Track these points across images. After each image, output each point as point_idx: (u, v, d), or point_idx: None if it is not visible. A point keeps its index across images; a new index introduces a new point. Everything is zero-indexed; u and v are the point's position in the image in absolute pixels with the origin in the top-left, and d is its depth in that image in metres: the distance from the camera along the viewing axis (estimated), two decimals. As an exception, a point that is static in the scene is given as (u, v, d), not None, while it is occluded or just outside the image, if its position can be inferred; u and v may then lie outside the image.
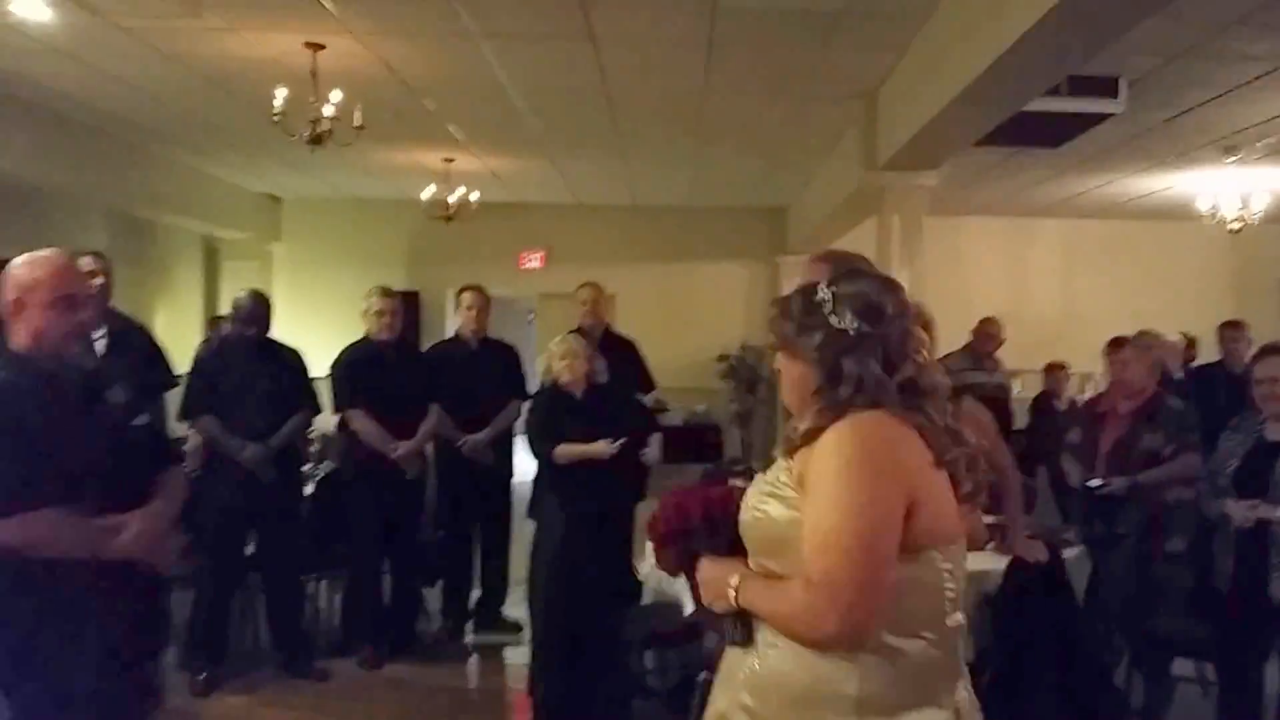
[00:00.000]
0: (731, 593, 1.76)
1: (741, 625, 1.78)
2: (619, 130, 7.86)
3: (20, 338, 2.49)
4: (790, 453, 1.75)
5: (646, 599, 4.77)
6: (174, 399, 5.11)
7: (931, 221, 7.19)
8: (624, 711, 4.26)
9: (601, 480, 4.51)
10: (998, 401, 7.50)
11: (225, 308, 11.41)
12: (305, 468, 5.64)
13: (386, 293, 5.42)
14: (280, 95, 5.77)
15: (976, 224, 11.34)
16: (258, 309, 5.05)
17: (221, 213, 10.88)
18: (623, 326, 6.15)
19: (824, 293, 1.77)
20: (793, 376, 1.81)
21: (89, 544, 2.41)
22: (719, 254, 11.87)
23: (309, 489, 5.52)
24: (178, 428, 5.12)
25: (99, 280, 4.53)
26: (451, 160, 9.11)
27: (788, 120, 7.47)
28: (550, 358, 4.66)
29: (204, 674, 4.79)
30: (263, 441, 4.82)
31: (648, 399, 6.00)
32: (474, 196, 9.81)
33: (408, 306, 6.89)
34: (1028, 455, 6.52)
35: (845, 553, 1.60)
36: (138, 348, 4.78)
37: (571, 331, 5.24)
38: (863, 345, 1.73)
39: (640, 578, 4.35)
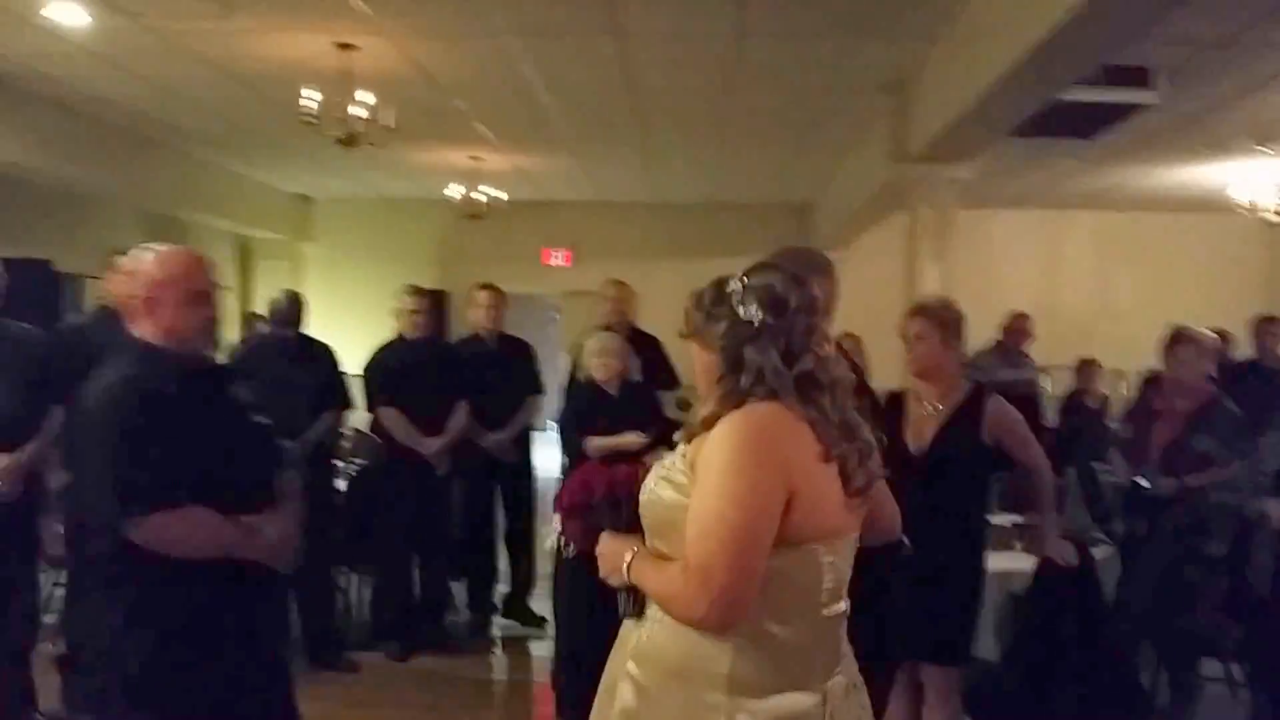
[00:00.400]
0: (624, 568, 1.83)
1: (634, 599, 1.86)
2: (644, 127, 7.86)
3: (150, 332, 2.46)
4: (689, 438, 1.81)
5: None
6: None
7: (962, 215, 7.13)
8: None
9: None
10: (1028, 399, 7.44)
11: (259, 307, 11.55)
12: (338, 464, 5.70)
13: (416, 291, 5.50)
14: (311, 97, 5.81)
15: (1008, 217, 11.19)
16: (293, 309, 5.16)
17: (255, 213, 10.99)
18: (647, 323, 6.13)
19: (734, 284, 1.82)
20: (702, 364, 1.86)
21: (232, 543, 2.38)
22: (744, 250, 11.59)
23: (341, 485, 5.58)
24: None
25: None
26: (479, 159, 9.15)
27: (815, 113, 7.43)
28: (586, 355, 4.68)
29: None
30: (296, 438, 4.86)
31: (671, 396, 6.00)
32: (501, 195, 9.85)
33: (437, 305, 6.93)
34: (1058, 454, 6.45)
35: (721, 541, 1.66)
36: None
37: (602, 328, 5.24)
38: (764, 336, 1.77)
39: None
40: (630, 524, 1.89)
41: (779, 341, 1.76)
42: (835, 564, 1.77)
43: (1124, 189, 9.94)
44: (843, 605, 1.81)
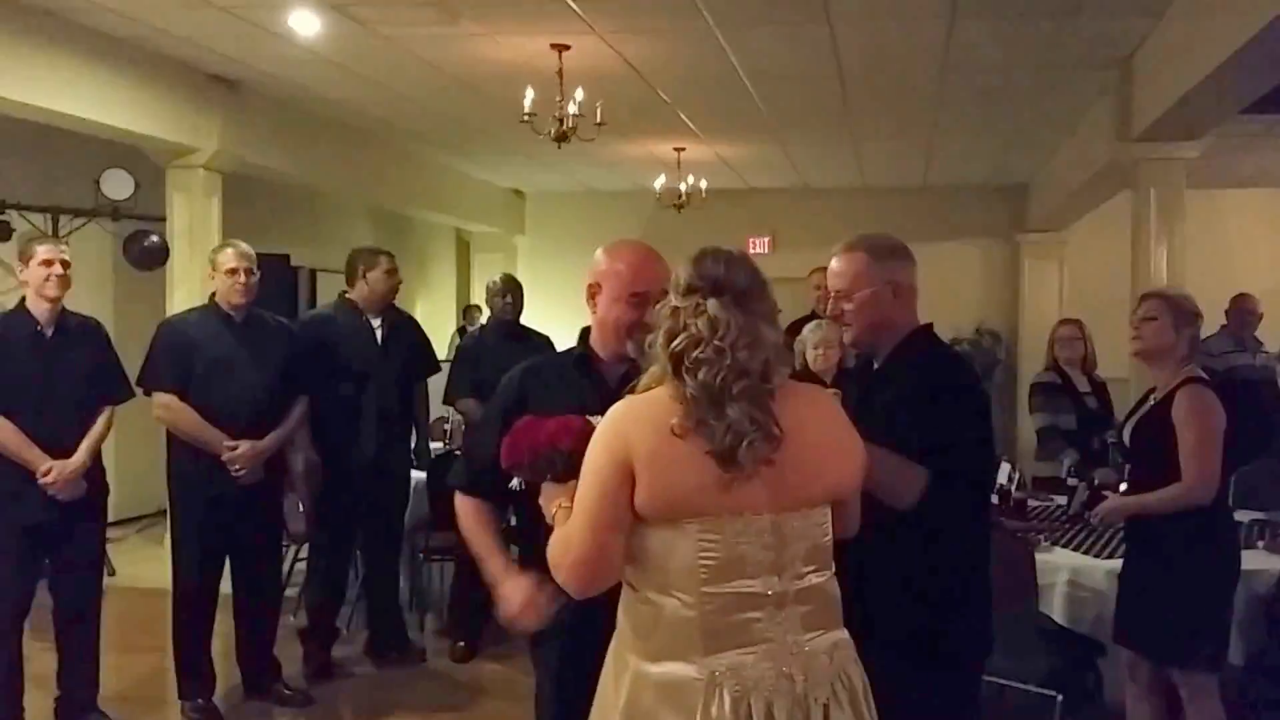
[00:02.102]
0: (551, 519, 1.94)
1: None
2: (850, 111, 7.70)
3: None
4: None
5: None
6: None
7: (1190, 195, 6.66)
8: None
9: None
10: (1264, 385, 6.88)
11: (477, 296, 12.07)
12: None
13: None
14: (529, 96, 6.00)
15: (1240, 197, 10.37)
16: (508, 288, 5.34)
17: (472, 208, 11.45)
18: (851, 310, 6.06)
19: (676, 271, 1.89)
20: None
21: None
22: (953, 234, 11.40)
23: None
24: (442, 409, 5.43)
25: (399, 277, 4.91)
26: (682, 149, 9.21)
27: (1032, 92, 7.09)
28: (803, 344, 4.63)
29: (462, 643, 5.05)
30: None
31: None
32: (703, 184, 9.89)
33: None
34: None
35: (577, 514, 1.81)
36: (410, 337, 5.07)
37: (808, 317, 5.19)
38: (668, 315, 1.83)
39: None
40: (566, 475, 1.92)
41: (673, 324, 1.82)
42: (721, 543, 1.77)
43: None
44: (751, 585, 1.78)
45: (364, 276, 4.80)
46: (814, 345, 4.60)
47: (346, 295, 4.89)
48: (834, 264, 2.48)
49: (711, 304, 1.79)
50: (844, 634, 1.90)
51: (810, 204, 11.65)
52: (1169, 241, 6.30)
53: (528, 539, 2.33)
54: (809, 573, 1.83)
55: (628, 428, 1.79)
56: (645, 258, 2.35)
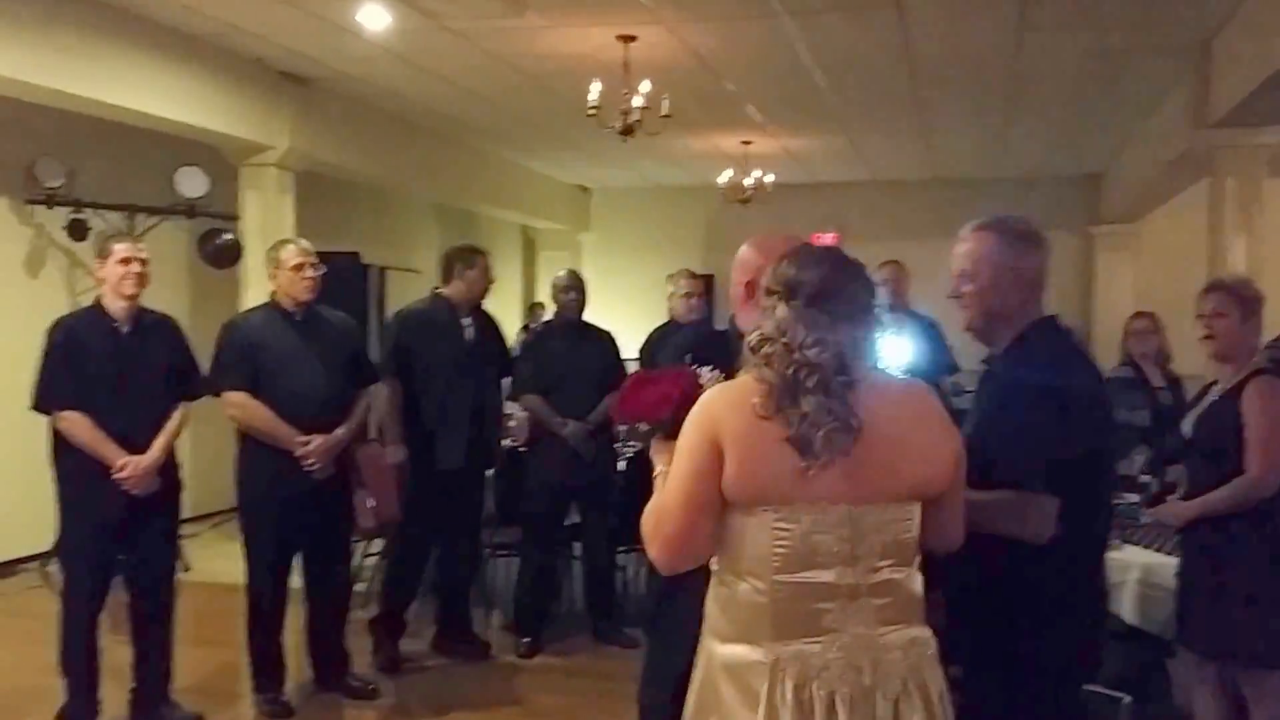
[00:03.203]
0: (657, 479, 1.95)
1: None
2: (922, 101, 7.52)
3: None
4: None
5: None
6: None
7: (1271, 184, 6.39)
8: None
9: None
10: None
11: (541, 293, 12.06)
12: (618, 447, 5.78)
13: (690, 275, 5.54)
14: (595, 89, 5.92)
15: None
16: (572, 283, 5.24)
17: (538, 204, 11.43)
18: (918, 305, 5.88)
19: (767, 271, 1.93)
20: None
21: None
22: (1023, 226, 11.14)
23: (621, 465, 5.63)
24: (508, 406, 5.39)
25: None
26: (749, 143, 9.09)
27: (1106, 79, 6.85)
28: None
29: (527, 638, 5.00)
30: (581, 420, 4.98)
31: (950, 381, 5.69)
32: (769, 178, 9.74)
33: (706, 289, 6.95)
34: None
35: (670, 493, 1.83)
36: (495, 336, 5.05)
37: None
38: (762, 314, 1.89)
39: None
40: (673, 431, 1.92)
41: (764, 321, 1.87)
42: (795, 532, 1.78)
43: None
44: (825, 575, 1.79)
45: (462, 275, 4.79)
46: None
47: (439, 292, 4.88)
48: (961, 243, 2.36)
49: (780, 308, 1.85)
50: (924, 632, 1.87)
51: (878, 197, 11.45)
52: (1248, 232, 6.09)
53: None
54: (886, 567, 1.81)
55: (718, 409, 1.82)
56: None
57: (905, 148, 9.51)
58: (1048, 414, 2.15)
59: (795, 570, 1.78)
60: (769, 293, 1.89)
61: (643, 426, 2.01)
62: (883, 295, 5.63)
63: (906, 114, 7.99)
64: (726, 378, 1.98)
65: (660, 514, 1.85)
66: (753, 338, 1.85)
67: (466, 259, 4.81)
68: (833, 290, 1.85)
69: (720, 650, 1.85)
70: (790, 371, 1.78)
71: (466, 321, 4.80)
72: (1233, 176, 6.15)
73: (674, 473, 1.83)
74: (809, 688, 1.76)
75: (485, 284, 4.84)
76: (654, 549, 1.86)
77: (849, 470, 1.77)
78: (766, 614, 1.79)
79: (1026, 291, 2.31)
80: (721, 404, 1.83)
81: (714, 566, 1.89)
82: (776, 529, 1.78)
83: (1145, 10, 5.41)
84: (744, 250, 2.49)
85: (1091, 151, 9.57)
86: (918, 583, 1.88)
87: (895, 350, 4.62)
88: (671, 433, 1.91)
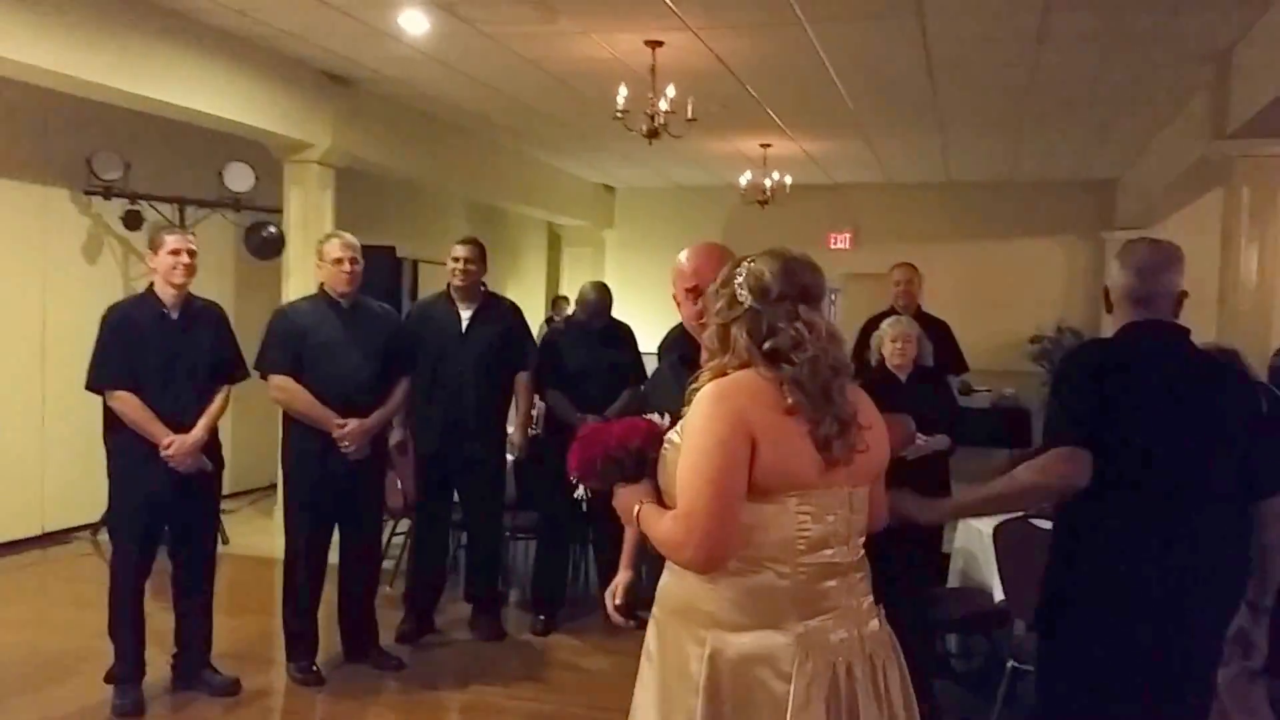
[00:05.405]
0: (634, 518, 1.96)
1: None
2: (939, 105, 7.51)
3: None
4: (687, 406, 1.92)
5: (953, 581, 4.55)
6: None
7: (1284, 195, 6.33)
8: (925, 692, 4.08)
9: (908, 465, 4.27)
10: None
11: (564, 288, 12.14)
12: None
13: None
14: (622, 92, 5.97)
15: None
16: (601, 302, 5.27)
17: (564, 202, 11.49)
18: (929, 306, 5.89)
19: (741, 268, 1.94)
20: (706, 337, 2.00)
21: None
22: (1037, 231, 11.06)
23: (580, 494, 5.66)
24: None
25: (465, 265, 4.84)
26: (768, 145, 9.10)
27: (1125, 86, 6.81)
28: (881, 339, 4.51)
29: (543, 616, 5.08)
30: (599, 414, 5.02)
31: (957, 381, 5.70)
32: (788, 180, 9.76)
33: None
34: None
35: (699, 489, 1.80)
36: (503, 325, 4.99)
37: (887, 312, 5.07)
38: (745, 317, 1.90)
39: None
40: (636, 475, 1.99)
41: (759, 324, 1.88)
42: (814, 516, 1.85)
43: None
44: (830, 554, 1.87)
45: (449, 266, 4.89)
46: (891, 339, 4.46)
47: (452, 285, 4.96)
48: None
49: (803, 309, 1.89)
50: (871, 597, 2.00)
51: (893, 199, 11.43)
52: (1260, 242, 6.02)
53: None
54: (860, 543, 1.95)
55: (743, 403, 1.83)
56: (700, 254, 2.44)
57: (922, 151, 9.49)
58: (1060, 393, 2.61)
59: (815, 551, 1.86)
60: (781, 297, 1.89)
61: (610, 466, 1.99)
62: (893, 295, 5.69)
63: (924, 119, 7.98)
64: (672, 420, 1.99)
65: (689, 518, 1.81)
66: (779, 340, 1.86)
67: (451, 250, 4.89)
68: (822, 293, 1.97)
69: (736, 640, 1.84)
70: (823, 376, 1.85)
71: (466, 314, 4.83)
72: (1248, 186, 6.08)
73: (704, 469, 1.80)
74: (832, 662, 1.84)
75: (452, 269, 4.84)
76: (690, 552, 1.83)
77: (848, 456, 1.89)
78: (789, 597, 1.84)
79: (1117, 308, 2.64)
80: (744, 398, 1.84)
81: None
82: (800, 514, 1.84)
83: (1166, 20, 5.37)
84: (684, 259, 2.40)
85: (1107, 158, 9.50)
86: None
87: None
88: (636, 472, 1.97)
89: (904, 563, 4.08)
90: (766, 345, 1.87)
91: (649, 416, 2.07)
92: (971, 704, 4.14)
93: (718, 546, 1.81)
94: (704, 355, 2.00)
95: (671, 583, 1.96)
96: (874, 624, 1.94)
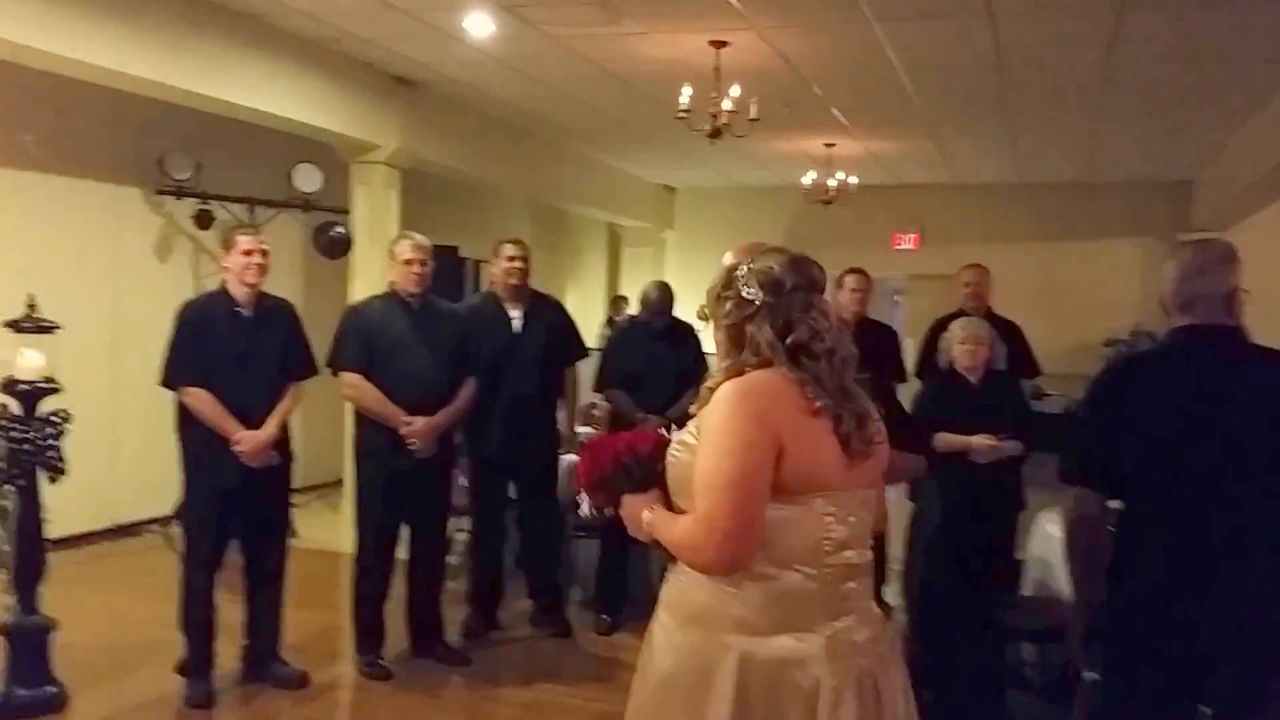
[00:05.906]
0: (645, 525, 1.92)
1: (665, 554, 1.95)
2: (1011, 106, 7.36)
3: None
4: (700, 406, 1.90)
5: (1026, 590, 4.44)
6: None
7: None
8: (998, 701, 4.00)
9: (981, 470, 4.18)
10: None
11: (624, 289, 12.14)
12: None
13: None
14: (685, 93, 5.94)
15: None
16: (664, 300, 5.25)
17: (624, 203, 11.50)
18: (998, 310, 5.76)
19: (741, 268, 1.91)
20: (717, 342, 1.97)
21: None
22: (1110, 232, 10.80)
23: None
24: (593, 396, 5.44)
25: (519, 264, 4.86)
26: (833, 145, 9.00)
27: (1200, 86, 6.61)
28: (950, 341, 4.40)
29: (606, 616, 5.07)
30: (661, 414, 5.00)
31: (1030, 386, 5.57)
32: (852, 180, 9.65)
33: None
34: None
35: (720, 491, 1.75)
36: (552, 321, 5.02)
37: (956, 313, 4.95)
38: (761, 313, 1.87)
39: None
40: (644, 483, 1.96)
41: (776, 318, 1.86)
42: (837, 517, 1.84)
43: None
44: (850, 555, 1.86)
45: (493, 267, 4.91)
46: (960, 341, 4.34)
47: (492, 287, 4.98)
48: None
49: (818, 300, 1.90)
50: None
51: (960, 200, 11.24)
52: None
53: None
54: (870, 545, 1.95)
55: (767, 404, 1.81)
56: None
57: (991, 151, 9.32)
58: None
59: (839, 552, 1.85)
60: (794, 289, 1.88)
61: (619, 474, 1.97)
62: (962, 298, 5.57)
63: (994, 118, 7.83)
64: (680, 427, 1.97)
65: (710, 520, 1.76)
66: (801, 334, 1.85)
67: (494, 251, 4.89)
68: (824, 286, 1.96)
69: (764, 644, 1.81)
70: (842, 368, 1.87)
71: (515, 314, 4.84)
72: (1330, 186, 5.91)
73: (727, 470, 1.76)
74: (859, 662, 1.83)
75: (503, 269, 4.83)
76: (711, 554, 1.78)
77: (865, 450, 1.90)
78: (817, 598, 1.83)
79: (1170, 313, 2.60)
80: (768, 398, 1.81)
81: None
82: (826, 515, 1.83)
83: (1242, 18, 5.21)
84: (728, 260, 2.42)
85: (1183, 158, 9.24)
86: None
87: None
88: (644, 480, 1.95)
89: (979, 570, 4.03)
90: (789, 340, 1.85)
91: (658, 429, 2.06)
92: (1047, 716, 4.04)
93: (740, 549, 1.77)
94: (717, 358, 1.99)
95: (686, 588, 1.90)
96: (884, 625, 1.96)
